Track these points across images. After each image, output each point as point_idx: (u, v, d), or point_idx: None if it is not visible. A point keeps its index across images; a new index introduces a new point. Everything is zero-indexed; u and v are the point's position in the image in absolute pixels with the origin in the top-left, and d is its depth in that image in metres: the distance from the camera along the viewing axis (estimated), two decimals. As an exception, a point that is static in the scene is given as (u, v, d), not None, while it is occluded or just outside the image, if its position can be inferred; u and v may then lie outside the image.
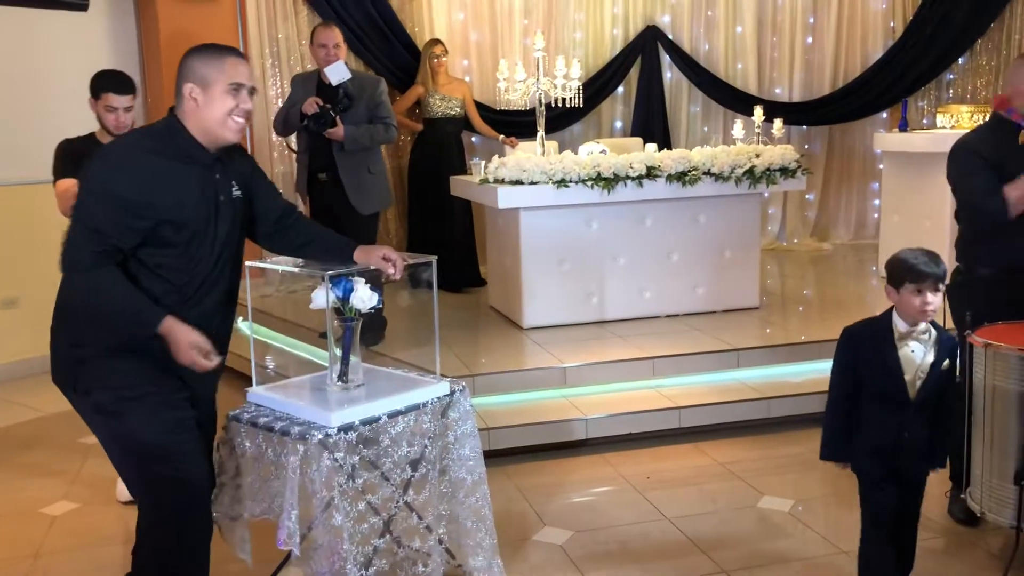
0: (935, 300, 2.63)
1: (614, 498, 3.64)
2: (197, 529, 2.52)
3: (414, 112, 6.77)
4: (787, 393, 4.58)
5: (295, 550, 2.58)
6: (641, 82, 7.63)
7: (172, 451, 2.43)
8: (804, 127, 8.04)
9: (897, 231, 6.42)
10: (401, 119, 6.71)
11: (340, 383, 2.74)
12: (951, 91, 8.31)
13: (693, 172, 5.24)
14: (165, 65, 5.99)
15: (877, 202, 7.88)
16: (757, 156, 5.39)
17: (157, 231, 2.36)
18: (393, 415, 2.67)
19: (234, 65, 2.44)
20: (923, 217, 6.15)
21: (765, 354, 4.85)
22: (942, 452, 2.78)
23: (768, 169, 5.38)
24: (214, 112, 2.42)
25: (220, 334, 2.57)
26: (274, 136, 6.66)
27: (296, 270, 2.81)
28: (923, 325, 2.67)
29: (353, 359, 2.75)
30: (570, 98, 5.41)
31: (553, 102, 5.46)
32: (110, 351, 2.41)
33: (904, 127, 6.67)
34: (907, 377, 2.63)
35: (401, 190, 7.10)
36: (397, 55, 6.95)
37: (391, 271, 2.66)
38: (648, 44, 7.59)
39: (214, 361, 2.40)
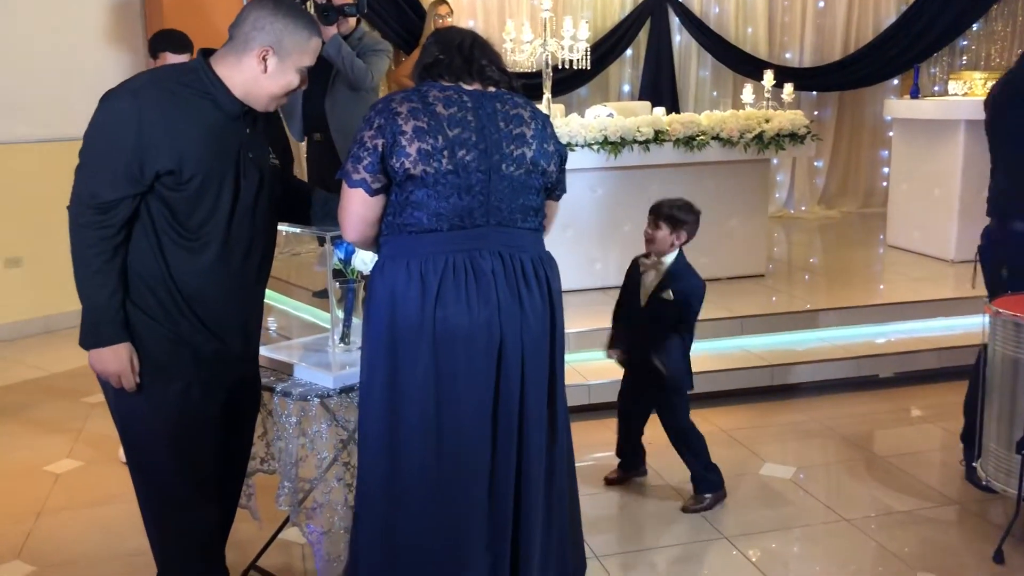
0: (652, 232, 3.29)
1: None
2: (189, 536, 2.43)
3: (420, 74, 6.69)
4: (791, 361, 4.56)
5: (294, 510, 2.59)
6: (650, 45, 7.53)
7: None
8: (814, 93, 7.95)
9: (906, 199, 6.36)
10: (406, 82, 6.65)
11: (342, 344, 2.73)
12: (964, 57, 8.20)
13: (701, 137, 5.19)
14: (168, 14, 5.91)
15: (886, 170, 7.81)
16: (767, 121, 5.32)
17: (161, 182, 2.17)
18: (394, 377, 2.65)
19: (316, 48, 2.29)
20: (933, 185, 6.09)
21: (769, 322, 4.82)
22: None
23: (777, 135, 5.32)
24: (276, 85, 2.25)
25: (252, 320, 2.44)
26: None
27: (299, 230, 2.79)
28: (662, 256, 3.31)
29: (355, 321, 2.73)
30: (577, 60, 5.35)
31: (560, 64, 5.40)
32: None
33: (916, 94, 6.59)
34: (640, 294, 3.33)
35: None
36: (404, 17, 6.86)
37: None
38: (657, 6, 7.49)
39: (125, 386, 2.25)
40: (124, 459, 3.77)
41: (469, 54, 2.27)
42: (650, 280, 3.33)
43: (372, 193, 2.17)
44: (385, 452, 2.21)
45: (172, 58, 3.59)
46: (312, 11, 4.61)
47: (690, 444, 3.38)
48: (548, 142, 2.29)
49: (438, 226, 2.16)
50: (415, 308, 2.14)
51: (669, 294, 3.26)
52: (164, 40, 3.83)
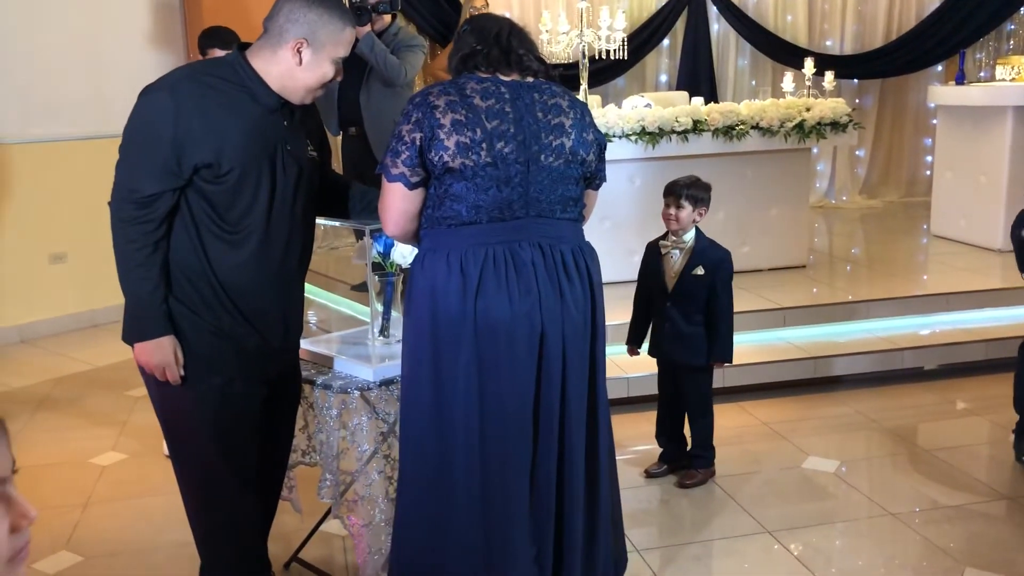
0: (676, 213, 3.30)
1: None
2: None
3: (455, 67, 6.70)
4: (833, 353, 4.50)
5: (335, 503, 2.60)
6: (687, 34, 7.46)
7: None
8: (855, 81, 7.83)
9: (950, 188, 6.24)
10: (442, 75, 6.65)
11: (381, 338, 2.74)
12: (1012, 41, 8.02)
13: (741, 126, 5.13)
14: (207, 13, 5.96)
15: (930, 158, 7.67)
16: (807, 110, 5.25)
17: (199, 176, 2.17)
18: (434, 370, 2.66)
19: (351, 39, 2.28)
20: (978, 173, 5.97)
21: (812, 313, 4.76)
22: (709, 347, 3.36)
23: (818, 123, 5.24)
24: (311, 77, 2.24)
25: (293, 313, 2.44)
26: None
27: (339, 223, 2.79)
28: (682, 235, 3.34)
29: (394, 314, 2.74)
30: (614, 50, 5.31)
31: (597, 55, 5.36)
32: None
33: (961, 80, 6.46)
34: (666, 277, 3.37)
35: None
36: (439, 9, 6.86)
37: None
38: (695, -5, 7.42)
39: (170, 379, 2.26)
40: (168, 452, 3.83)
41: (507, 44, 2.25)
42: (676, 261, 3.35)
43: (411, 187, 2.17)
44: (428, 444, 2.21)
45: (221, 55, 3.62)
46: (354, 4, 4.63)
47: (707, 414, 3.46)
48: (587, 131, 2.27)
49: (477, 218, 2.15)
50: (456, 301, 2.13)
51: (700, 270, 3.30)
52: (213, 37, 3.88)
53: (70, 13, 5.64)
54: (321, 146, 2.50)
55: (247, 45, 2.31)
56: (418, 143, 2.13)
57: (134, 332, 2.25)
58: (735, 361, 3.63)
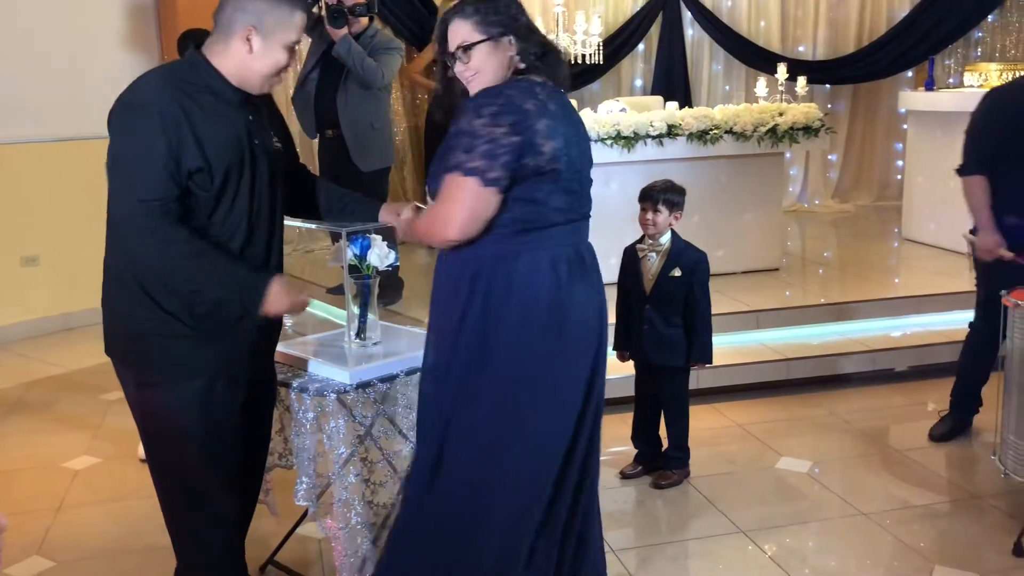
0: (653, 217, 3.36)
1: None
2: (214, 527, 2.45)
3: (430, 71, 6.69)
4: (806, 355, 4.55)
5: (312, 506, 2.60)
6: (662, 39, 7.51)
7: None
8: (827, 86, 7.92)
9: (921, 192, 6.33)
10: (417, 78, 6.66)
11: (358, 340, 2.74)
12: (979, 49, 8.14)
13: (715, 131, 5.17)
14: (181, 15, 5.93)
15: (901, 163, 7.76)
16: (780, 115, 5.31)
17: (191, 181, 2.18)
18: (410, 372, 2.66)
19: (302, 23, 2.25)
20: (948, 178, 6.01)
21: (785, 316, 4.81)
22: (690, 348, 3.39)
23: (791, 128, 5.30)
24: (264, 64, 2.22)
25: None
26: (290, 90, 6.63)
27: (315, 226, 2.79)
28: (659, 238, 3.40)
29: (371, 317, 2.74)
30: (590, 55, 5.35)
31: (573, 59, 5.39)
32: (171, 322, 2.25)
33: (930, 86, 6.55)
34: (644, 280, 3.40)
35: (418, 149, 7.06)
36: (416, 13, 6.87)
37: (401, 227, 2.54)
38: (670, 1, 7.47)
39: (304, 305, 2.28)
40: (144, 456, 3.81)
41: (555, 50, 2.28)
42: (653, 263, 3.40)
43: (503, 191, 2.12)
44: (557, 450, 2.24)
45: None
46: (324, 13, 4.63)
47: (683, 415, 3.50)
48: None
49: (559, 220, 2.19)
50: (555, 299, 2.17)
51: (677, 271, 3.36)
52: (191, 39, 3.81)
53: (42, 16, 5.59)
54: (285, 138, 2.48)
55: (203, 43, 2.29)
56: (517, 147, 2.09)
57: (251, 306, 2.23)
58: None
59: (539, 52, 2.19)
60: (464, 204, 2.10)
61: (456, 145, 2.11)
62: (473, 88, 2.20)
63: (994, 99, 3.61)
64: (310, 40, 4.98)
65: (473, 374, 2.18)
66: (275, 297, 2.23)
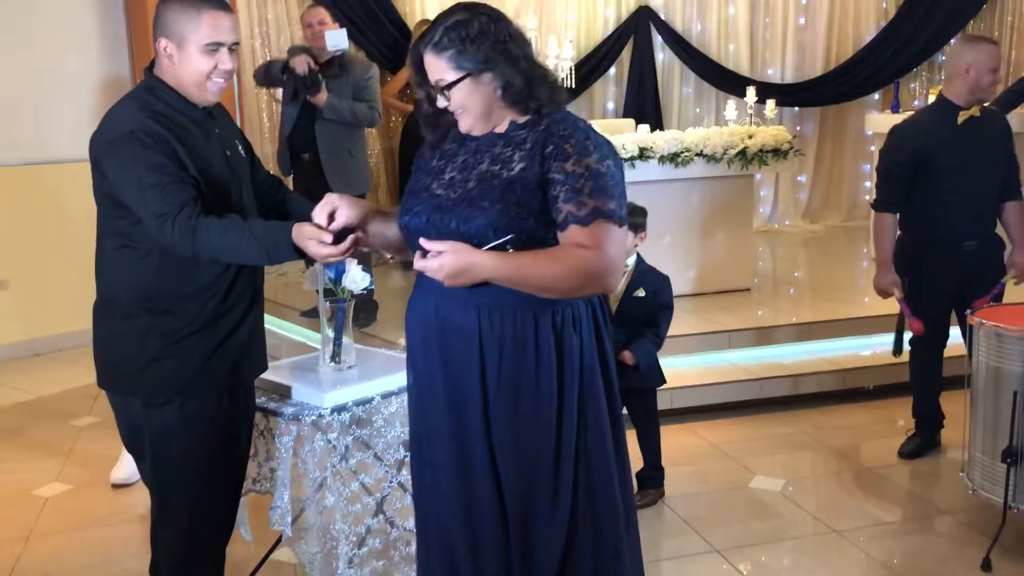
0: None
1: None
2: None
3: (404, 94, 6.73)
4: (778, 374, 4.59)
5: (287, 530, 2.59)
6: (633, 63, 7.60)
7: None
8: (796, 108, 8.03)
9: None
10: (390, 101, 6.68)
11: (333, 364, 2.74)
12: (943, 73, 8.30)
13: (686, 153, 5.23)
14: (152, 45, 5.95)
15: (868, 184, 7.88)
16: (750, 137, 5.38)
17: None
18: (386, 396, 2.67)
19: (213, 20, 2.17)
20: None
21: (756, 335, 4.86)
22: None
23: (761, 150, 5.37)
24: (191, 73, 2.19)
25: (259, 304, 2.46)
26: (265, 119, 6.64)
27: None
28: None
29: (346, 340, 2.75)
30: (562, 79, 5.39)
31: (545, 83, 5.43)
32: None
33: (896, 108, 6.67)
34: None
35: (392, 172, 7.08)
36: (389, 36, 6.90)
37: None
38: (640, 25, 7.56)
39: (343, 246, 2.09)
40: (114, 482, 3.77)
41: (544, 75, 2.15)
42: (619, 284, 3.42)
43: None
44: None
45: None
46: (299, 84, 4.68)
47: (655, 433, 3.54)
48: None
49: None
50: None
51: (641, 291, 3.40)
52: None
53: (9, 41, 5.57)
54: (247, 148, 2.51)
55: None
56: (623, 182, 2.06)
57: (285, 253, 2.15)
58: (682, 383, 3.71)
59: (523, 85, 2.01)
60: (621, 247, 1.99)
61: (580, 187, 1.95)
62: (465, 124, 2.05)
63: (896, 136, 3.70)
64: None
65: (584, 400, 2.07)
66: (307, 243, 2.10)
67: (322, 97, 4.71)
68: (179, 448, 2.32)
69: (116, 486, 3.76)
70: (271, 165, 6.06)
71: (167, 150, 2.17)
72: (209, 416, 2.32)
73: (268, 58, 6.70)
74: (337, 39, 4.74)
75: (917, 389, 3.92)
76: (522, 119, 2.05)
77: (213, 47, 2.20)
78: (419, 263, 1.94)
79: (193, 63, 2.19)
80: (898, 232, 3.78)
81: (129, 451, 2.52)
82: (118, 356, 2.32)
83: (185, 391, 2.29)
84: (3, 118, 5.50)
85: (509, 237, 1.94)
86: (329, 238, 2.07)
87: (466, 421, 2.05)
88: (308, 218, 2.30)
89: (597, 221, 1.94)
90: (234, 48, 2.25)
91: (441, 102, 2.04)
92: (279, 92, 5.21)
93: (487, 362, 2.01)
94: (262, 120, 6.72)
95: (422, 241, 1.94)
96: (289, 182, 5.21)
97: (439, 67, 2.00)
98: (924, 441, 3.90)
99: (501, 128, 2.06)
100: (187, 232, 2.13)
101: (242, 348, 2.36)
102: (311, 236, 2.08)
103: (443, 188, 2.04)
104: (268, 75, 4.96)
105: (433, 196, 2.05)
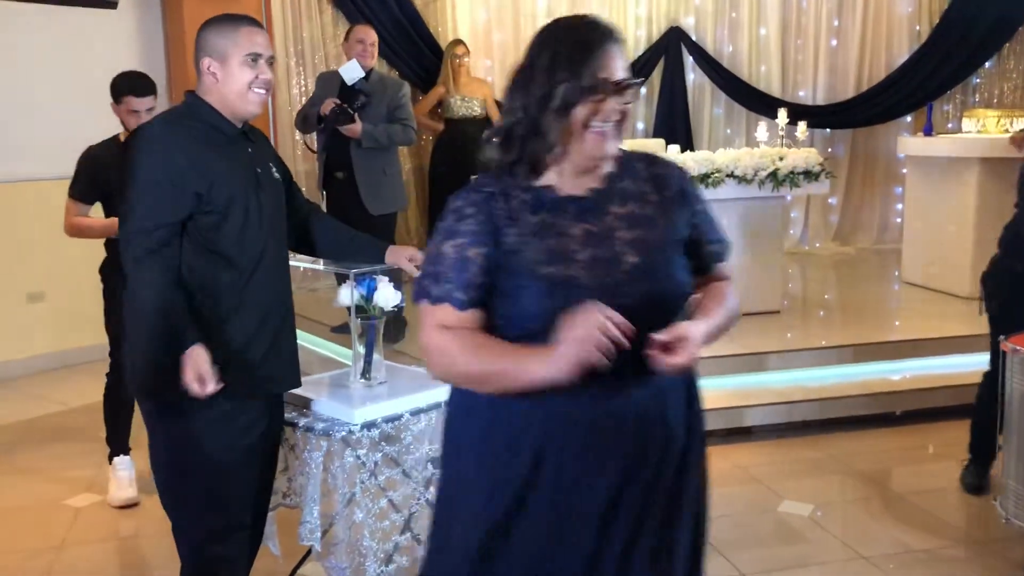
0: None
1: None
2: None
3: (436, 113, 6.78)
4: (808, 398, 4.56)
5: (316, 545, 2.60)
6: (664, 83, 7.61)
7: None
8: (827, 130, 8.00)
9: (920, 236, 6.37)
10: (423, 120, 6.73)
11: (363, 380, 2.76)
12: (977, 95, 8.24)
13: (716, 174, 5.23)
14: (190, 63, 6.05)
15: (900, 206, 7.83)
16: (781, 159, 5.37)
17: (200, 209, 2.29)
18: (415, 413, 2.69)
19: (249, 35, 2.35)
20: (946, 222, 6.10)
21: (786, 358, 4.83)
22: None
23: (791, 172, 5.36)
24: (234, 85, 2.34)
25: (289, 320, 2.55)
26: (297, 135, 6.71)
27: (322, 267, 2.83)
28: None
29: (376, 357, 2.77)
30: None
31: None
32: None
33: (929, 131, 6.63)
34: None
35: (422, 190, 7.12)
36: (421, 55, 6.97)
37: (415, 272, 2.62)
38: (671, 45, 7.58)
39: (209, 389, 2.24)
40: (114, 504, 3.74)
41: None
42: None
43: None
44: None
45: (135, 102, 3.58)
46: (330, 123, 4.78)
47: None
48: None
49: None
50: None
51: None
52: (126, 83, 3.69)
53: (45, 52, 5.68)
54: (284, 172, 2.60)
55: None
56: None
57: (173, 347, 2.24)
58: (711, 405, 3.66)
59: None
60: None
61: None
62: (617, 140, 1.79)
63: None
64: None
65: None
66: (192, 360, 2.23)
67: (356, 128, 4.79)
68: (194, 457, 2.36)
69: (116, 508, 3.76)
70: (303, 184, 6.15)
71: (173, 166, 2.27)
72: (220, 426, 2.35)
73: (302, 75, 6.80)
74: (351, 72, 4.83)
75: (982, 418, 3.66)
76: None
77: (253, 58, 2.35)
78: (664, 362, 1.63)
79: (235, 75, 2.34)
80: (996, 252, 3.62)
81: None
82: (138, 361, 2.38)
83: (191, 398, 2.29)
84: (38, 131, 5.61)
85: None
86: (200, 387, 2.21)
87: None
88: (329, 242, 2.62)
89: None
90: (271, 61, 2.40)
91: (626, 106, 1.76)
92: (313, 140, 5.40)
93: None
94: (295, 139, 6.79)
95: (658, 336, 1.62)
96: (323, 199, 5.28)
97: (624, 60, 1.77)
98: (982, 472, 3.73)
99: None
100: (134, 260, 2.26)
101: (261, 359, 2.40)
102: (193, 370, 2.21)
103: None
104: (306, 120, 5.08)
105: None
